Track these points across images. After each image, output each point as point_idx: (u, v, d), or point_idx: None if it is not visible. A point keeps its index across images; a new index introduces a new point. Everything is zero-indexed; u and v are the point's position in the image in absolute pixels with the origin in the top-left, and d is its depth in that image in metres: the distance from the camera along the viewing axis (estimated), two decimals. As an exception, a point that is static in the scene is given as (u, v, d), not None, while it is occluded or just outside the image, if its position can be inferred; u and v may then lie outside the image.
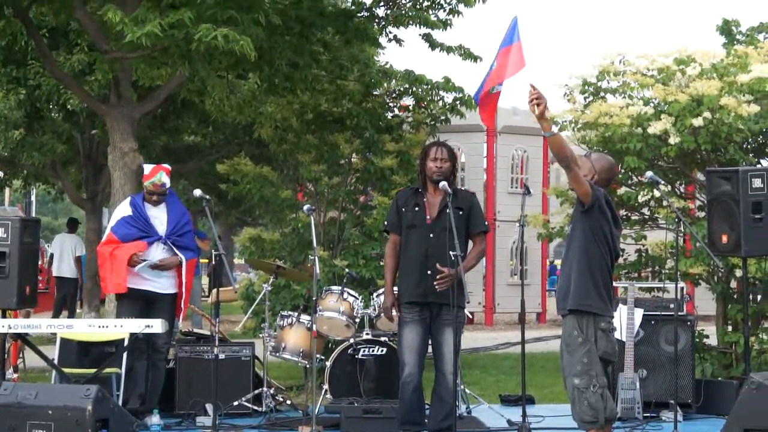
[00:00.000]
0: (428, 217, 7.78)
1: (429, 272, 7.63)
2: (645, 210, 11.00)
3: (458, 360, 7.80)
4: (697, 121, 9.74)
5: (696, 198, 10.99)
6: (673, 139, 9.86)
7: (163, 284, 9.23)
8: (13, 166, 19.10)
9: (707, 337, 10.69)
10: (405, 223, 7.85)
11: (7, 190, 31.06)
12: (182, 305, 9.28)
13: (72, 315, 18.91)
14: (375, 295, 9.94)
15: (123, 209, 9.38)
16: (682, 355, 9.47)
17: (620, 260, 10.42)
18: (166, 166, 9.44)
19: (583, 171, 6.68)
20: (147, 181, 9.31)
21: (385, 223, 8.17)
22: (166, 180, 9.26)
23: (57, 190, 22.59)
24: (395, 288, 7.99)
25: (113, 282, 9.12)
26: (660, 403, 9.44)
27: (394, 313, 7.90)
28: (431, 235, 7.72)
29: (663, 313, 9.69)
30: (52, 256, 19.99)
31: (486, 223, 8.08)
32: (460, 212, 7.75)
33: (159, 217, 9.30)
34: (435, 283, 7.55)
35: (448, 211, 7.47)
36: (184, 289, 9.25)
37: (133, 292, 9.17)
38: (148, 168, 9.45)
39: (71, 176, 19.65)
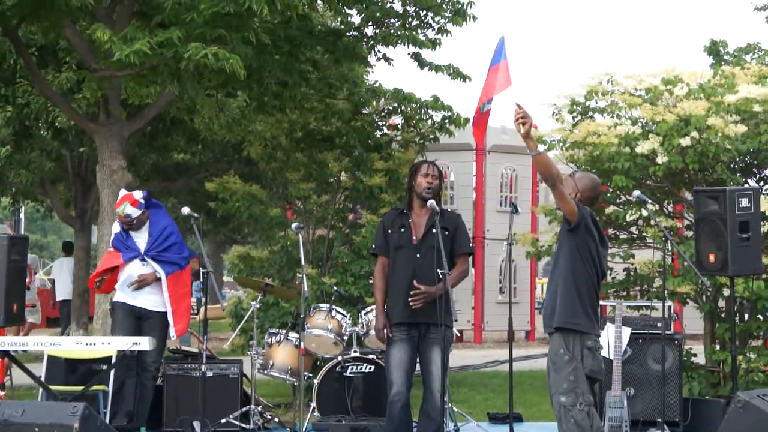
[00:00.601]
0: (414, 237, 7.79)
1: None
2: (633, 229, 11.04)
3: (446, 378, 7.80)
4: (685, 141, 9.79)
5: (684, 217, 11.03)
6: (661, 159, 9.90)
7: (154, 301, 9.24)
8: (1, 184, 19.07)
9: (695, 355, 10.71)
10: (392, 245, 7.86)
11: (-5, 208, 30.99)
12: (174, 319, 9.23)
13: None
14: (363, 312, 9.96)
15: (115, 227, 9.58)
16: (670, 373, 9.49)
17: (608, 279, 10.47)
18: (136, 194, 9.39)
19: (567, 190, 6.71)
20: (118, 209, 9.45)
21: (373, 246, 8.18)
22: (130, 211, 9.27)
23: (46, 208, 22.55)
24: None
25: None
26: (647, 421, 9.45)
27: (386, 333, 7.88)
28: (418, 256, 7.73)
29: (651, 331, 9.71)
30: (53, 282, 20.13)
31: (471, 245, 8.10)
32: (446, 232, 7.76)
33: (142, 235, 9.38)
34: (409, 300, 7.56)
35: (434, 230, 7.48)
36: (169, 304, 9.23)
37: (125, 307, 9.19)
38: (120, 194, 9.51)
39: (60, 194, 19.62)
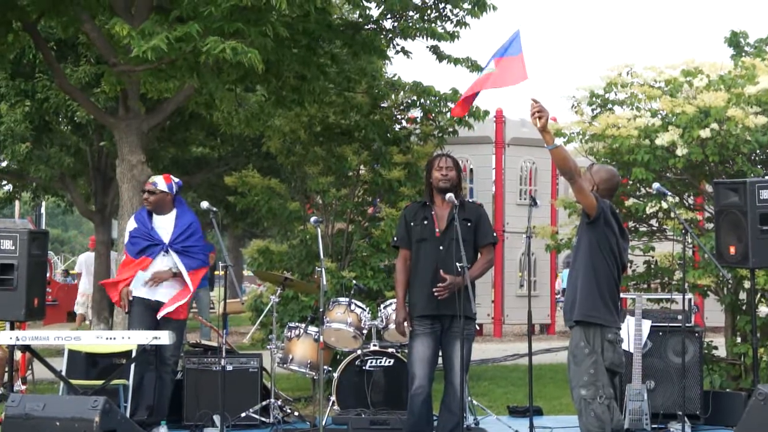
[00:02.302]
0: (437, 230, 7.78)
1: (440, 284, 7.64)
2: (653, 221, 10.99)
3: (467, 371, 7.79)
4: (705, 133, 9.74)
5: (704, 209, 10.98)
6: (681, 151, 9.86)
7: (171, 295, 9.23)
8: (22, 179, 19.16)
9: (716, 348, 10.67)
10: (414, 238, 7.85)
11: (16, 203, 31.16)
12: (167, 306, 9.16)
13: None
14: (383, 306, 9.95)
15: (129, 225, 9.50)
16: (691, 366, 9.46)
17: (629, 271, 10.43)
18: (174, 178, 9.46)
19: (585, 184, 6.69)
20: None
21: (394, 238, 8.17)
22: (158, 180, 9.33)
23: (66, 203, 22.64)
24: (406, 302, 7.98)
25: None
26: (668, 414, 9.43)
27: (406, 327, 7.88)
28: (441, 248, 7.71)
29: (671, 324, 9.66)
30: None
31: (494, 234, 8.08)
32: (468, 224, 7.76)
33: (165, 227, 9.29)
34: (434, 290, 7.55)
35: (456, 223, 7.46)
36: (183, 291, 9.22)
37: (143, 302, 9.18)
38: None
39: (80, 188, 19.70)
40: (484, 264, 7.92)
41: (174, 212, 9.39)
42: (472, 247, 7.75)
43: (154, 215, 9.33)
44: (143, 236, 9.26)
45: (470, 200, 8.10)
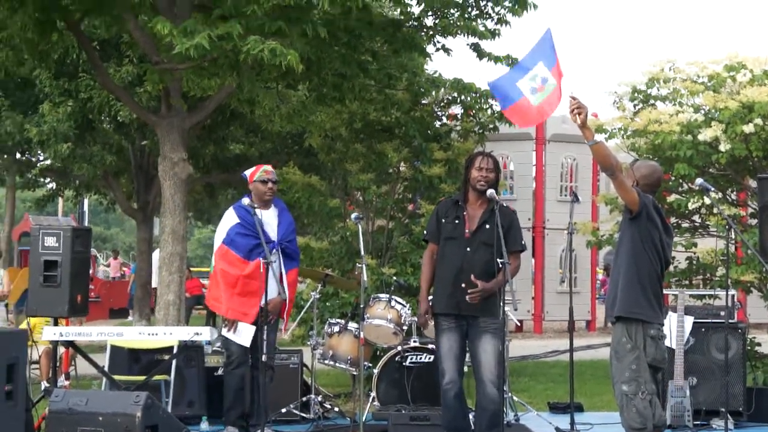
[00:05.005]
0: (467, 231, 7.73)
1: (463, 285, 7.57)
2: (696, 217, 10.94)
3: (503, 367, 7.74)
4: (748, 128, 9.68)
5: (748, 205, 10.90)
6: (724, 146, 9.79)
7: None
8: (65, 177, 19.33)
9: (759, 344, 10.60)
10: (444, 234, 7.82)
11: (60, 201, 31.46)
12: (284, 315, 8.86)
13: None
14: (422, 302, 9.93)
15: (229, 219, 8.78)
16: (733, 362, 9.40)
17: (671, 268, 10.37)
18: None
19: (627, 181, 6.66)
20: (256, 176, 8.78)
21: (425, 232, 8.16)
22: (269, 168, 8.90)
23: (109, 201, 22.82)
24: (430, 297, 7.96)
25: (239, 311, 8.56)
26: (710, 411, 9.36)
27: (427, 319, 7.86)
28: (468, 249, 7.67)
29: (714, 320, 9.60)
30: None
31: (523, 242, 7.99)
32: (501, 228, 7.72)
33: (270, 222, 8.76)
34: (468, 297, 7.51)
35: (487, 226, 7.39)
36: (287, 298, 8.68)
37: None
38: (248, 171, 8.91)
39: (122, 186, 19.85)
40: (511, 270, 7.85)
41: (276, 207, 8.93)
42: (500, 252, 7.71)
43: (258, 211, 8.62)
44: (251, 233, 8.58)
45: (505, 205, 7.98)
